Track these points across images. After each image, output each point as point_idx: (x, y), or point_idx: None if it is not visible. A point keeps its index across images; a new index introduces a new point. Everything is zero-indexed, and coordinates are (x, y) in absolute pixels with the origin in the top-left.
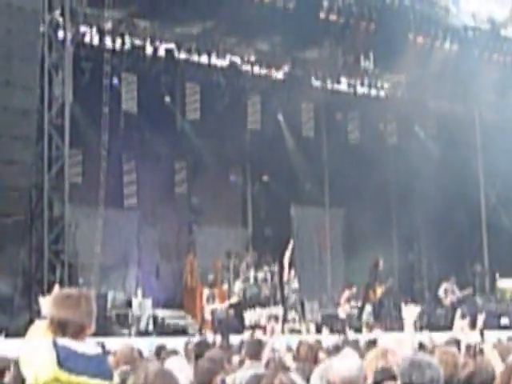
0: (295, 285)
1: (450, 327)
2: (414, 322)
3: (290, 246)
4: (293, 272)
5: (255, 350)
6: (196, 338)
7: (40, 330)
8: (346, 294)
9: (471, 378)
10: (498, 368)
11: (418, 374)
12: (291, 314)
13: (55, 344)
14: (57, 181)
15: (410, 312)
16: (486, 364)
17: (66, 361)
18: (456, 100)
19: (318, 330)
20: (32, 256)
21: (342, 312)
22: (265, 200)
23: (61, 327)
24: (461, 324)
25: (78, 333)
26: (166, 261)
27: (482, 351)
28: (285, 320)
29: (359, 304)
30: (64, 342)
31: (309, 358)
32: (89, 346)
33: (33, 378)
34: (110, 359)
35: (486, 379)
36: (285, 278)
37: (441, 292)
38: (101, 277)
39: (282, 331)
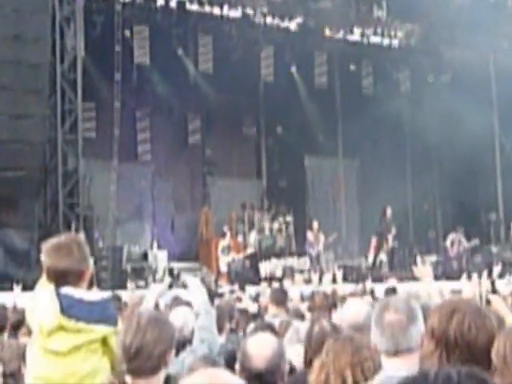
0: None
1: (457, 277)
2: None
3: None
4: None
5: (280, 297)
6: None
7: (45, 281)
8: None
9: None
10: (508, 319)
11: None
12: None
13: (58, 293)
14: (70, 134)
15: (423, 271)
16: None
17: (70, 308)
18: (470, 48)
19: (334, 281)
20: (47, 210)
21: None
22: (279, 151)
23: (59, 277)
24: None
25: (78, 279)
26: (180, 213)
27: (488, 302)
28: (301, 270)
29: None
30: (66, 290)
31: (324, 307)
32: (92, 292)
33: (38, 327)
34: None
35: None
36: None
37: (448, 242)
38: (116, 230)
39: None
